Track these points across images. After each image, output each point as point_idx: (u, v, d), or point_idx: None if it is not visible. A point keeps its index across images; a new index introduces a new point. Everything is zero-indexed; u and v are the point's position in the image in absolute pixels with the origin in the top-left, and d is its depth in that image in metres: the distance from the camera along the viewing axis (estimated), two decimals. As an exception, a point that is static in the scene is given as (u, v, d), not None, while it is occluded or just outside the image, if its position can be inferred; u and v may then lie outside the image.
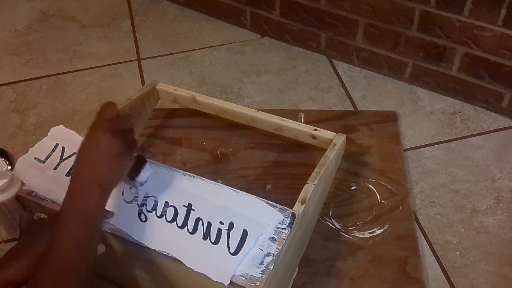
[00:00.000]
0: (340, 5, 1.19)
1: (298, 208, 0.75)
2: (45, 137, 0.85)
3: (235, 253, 0.69)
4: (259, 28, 1.39)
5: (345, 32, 1.24)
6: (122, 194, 0.76)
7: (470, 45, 1.09)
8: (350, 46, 1.26)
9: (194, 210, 0.73)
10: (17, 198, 0.81)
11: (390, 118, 1.14)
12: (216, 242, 0.70)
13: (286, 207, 0.74)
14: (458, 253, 0.91)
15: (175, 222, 0.73)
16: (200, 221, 0.72)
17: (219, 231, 0.71)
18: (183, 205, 0.74)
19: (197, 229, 0.71)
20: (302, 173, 0.98)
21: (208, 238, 0.70)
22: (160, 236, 0.72)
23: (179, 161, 1.04)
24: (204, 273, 0.67)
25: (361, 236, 0.91)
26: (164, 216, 0.73)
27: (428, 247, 0.91)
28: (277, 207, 0.74)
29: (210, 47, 1.36)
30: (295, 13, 1.28)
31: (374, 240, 0.91)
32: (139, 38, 1.39)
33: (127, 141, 0.64)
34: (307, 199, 0.77)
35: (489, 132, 1.12)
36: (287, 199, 0.79)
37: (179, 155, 1.05)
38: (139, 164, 0.75)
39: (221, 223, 0.71)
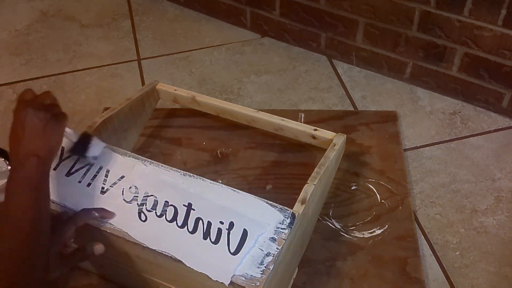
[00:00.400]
0: (340, 5, 1.20)
1: (298, 208, 0.75)
2: None
3: (235, 252, 0.69)
4: (259, 28, 1.39)
5: (345, 32, 1.24)
6: (122, 193, 0.76)
7: (470, 45, 1.09)
8: (350, 46, 1.26)
9: (194, 210, 0.73)
10: (17, 198, 0.81)
11: (390, 118, 1.14)
12: (216, 241, 0.70)
13: (286, 207, 0.74)
14: (458, 253, 0.91)
15: (175, 221, 0.73)
16: (200, 221, 0.72)
17: (219, 230, 0.71)
18: (183, 205, 0.74)
19: (197, 229, 0.71)
20: (302, 173, 0.98)
21: (208, 237, 0.70)
22: (160, 236, 0.71)
23: (179, 161, 1.04)
24: (205, 273, 0.67)
25: (361, 236, 0.91)
26: (164, 216, 0.73)
27: (428, 247, 0.91)
28: (277, 207, 0.74)
29: (210, 47, 1.36)
30: (295, 13, 1.28)
31: (374, 240, 0.91)
32: (139, 38, 1.39)
33: (51, 113, 0.69)
34: (307, 199, 0.77)
35: (489, 132, 1.12)
36: (287, 199, 0.79)
37: (179, 155, 1.05)
38: (86, 141, 0.78)
39: (221, 222, 0.71)
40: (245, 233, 0.70)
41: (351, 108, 1.18)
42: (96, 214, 0.73)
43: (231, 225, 0.71)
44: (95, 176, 0.79)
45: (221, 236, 0.70)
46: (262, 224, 0.71)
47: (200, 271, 0.67)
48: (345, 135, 0.94)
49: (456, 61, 1.13)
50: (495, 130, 1.12)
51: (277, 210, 0.73)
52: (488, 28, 1.04)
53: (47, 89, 1.22)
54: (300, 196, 0.78)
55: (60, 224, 0.71)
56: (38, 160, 0.66)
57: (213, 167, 1.03)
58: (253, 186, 0.99)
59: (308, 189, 0.79)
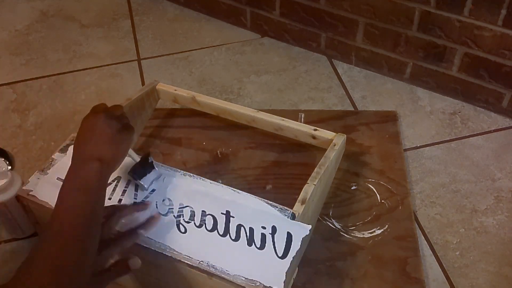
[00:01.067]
0: (340, 5, 1.20)
1: (298, 208, 0.75)
2: (65, 156, 0.83)
3: (283, 256, 0.69)
4: (259, 28, 1.39)
5: (345, 32, 1.24)
6: (156, 207, 0.76)
7: (470, 45, 1.09)
8: (350, 46, 1.26)
9: (233, 217, 0.73)
10: (17, 198, 0.81)
11: (390, 118, 1.14)
12: (262, 247, 0.70)
13: (286, 207, 0.74)
14: (458, 253, 0.91)
15: (216, 230, 0.72)
16: (242, 228, 0.72)
17: (263, 236, 0.70)
18: (221, 213, 0.73)
19: (240, 236, 0.71)
20: (302, 173, 0.98)
21: (253, 244, 0.70)
22: (203, 246, 0.71)
23: (179, 161, 1.04)
24: (256, 280, 0.67)
25: (361, 236, 0.91)
26: (204, 226, 0.73)
27: (428, 247, 0.91)
28: (277, 207, 0.74)
29: (210, 47, 1.36)
30: (295, 13, 1.28)
31: (374, 240, 0.91)
32: (139, 38, 1.39)
33: (122, 122, 0.69)
34: (307, 199, 0.77)
35: (489, 132, 1.12)
36: (287, 199, 0.79)
37: (179, 155, 1.05)
38: (144, 166, 0.77)
39: (263, 227, 0.71)
40: (289, 236, 0.70)
41: (351, 108, 1.18)
42: (143, 232, 0.71)
43: (274, 229, 0.71)
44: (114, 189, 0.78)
45: (265, 241, 0.70)
46: (302, 225, 0.71)
47: (250, 278, 0.67)
48: (345, 135, 0.94)
49: (456, 61, 1.13)
50: (495, 130, 1.12)
51: (277, 210, 0.73)
52: (488, 28, 1.04)
53: (47, 89, 1.23)
54: (300, 196, 0.78)
55: (104, 244, 0.66)
56: (101, 165, 0.63)
57: (213, 167, 1.03)
58: (253, 186, 0.99)
59: (308, 189, 0.79)
